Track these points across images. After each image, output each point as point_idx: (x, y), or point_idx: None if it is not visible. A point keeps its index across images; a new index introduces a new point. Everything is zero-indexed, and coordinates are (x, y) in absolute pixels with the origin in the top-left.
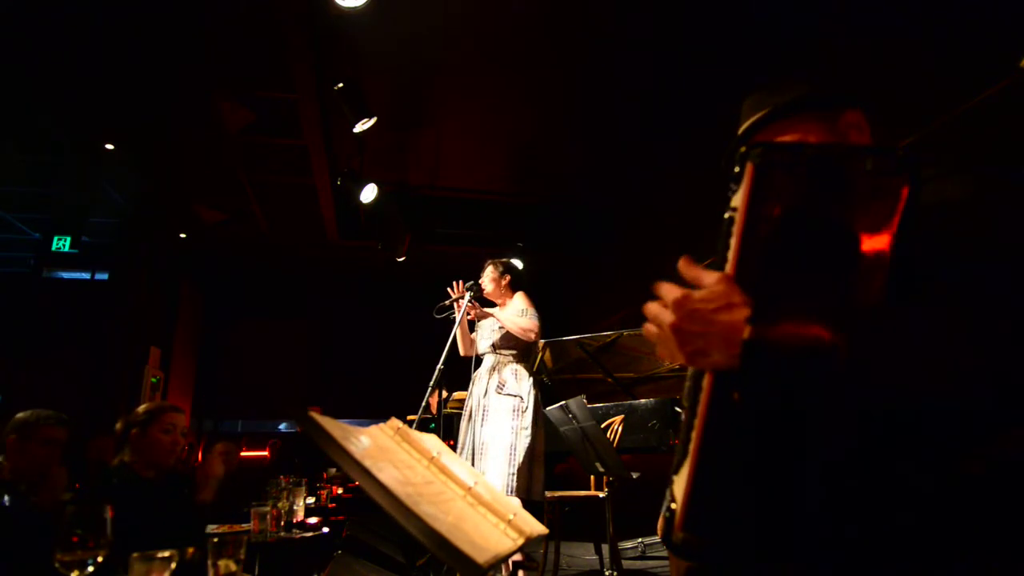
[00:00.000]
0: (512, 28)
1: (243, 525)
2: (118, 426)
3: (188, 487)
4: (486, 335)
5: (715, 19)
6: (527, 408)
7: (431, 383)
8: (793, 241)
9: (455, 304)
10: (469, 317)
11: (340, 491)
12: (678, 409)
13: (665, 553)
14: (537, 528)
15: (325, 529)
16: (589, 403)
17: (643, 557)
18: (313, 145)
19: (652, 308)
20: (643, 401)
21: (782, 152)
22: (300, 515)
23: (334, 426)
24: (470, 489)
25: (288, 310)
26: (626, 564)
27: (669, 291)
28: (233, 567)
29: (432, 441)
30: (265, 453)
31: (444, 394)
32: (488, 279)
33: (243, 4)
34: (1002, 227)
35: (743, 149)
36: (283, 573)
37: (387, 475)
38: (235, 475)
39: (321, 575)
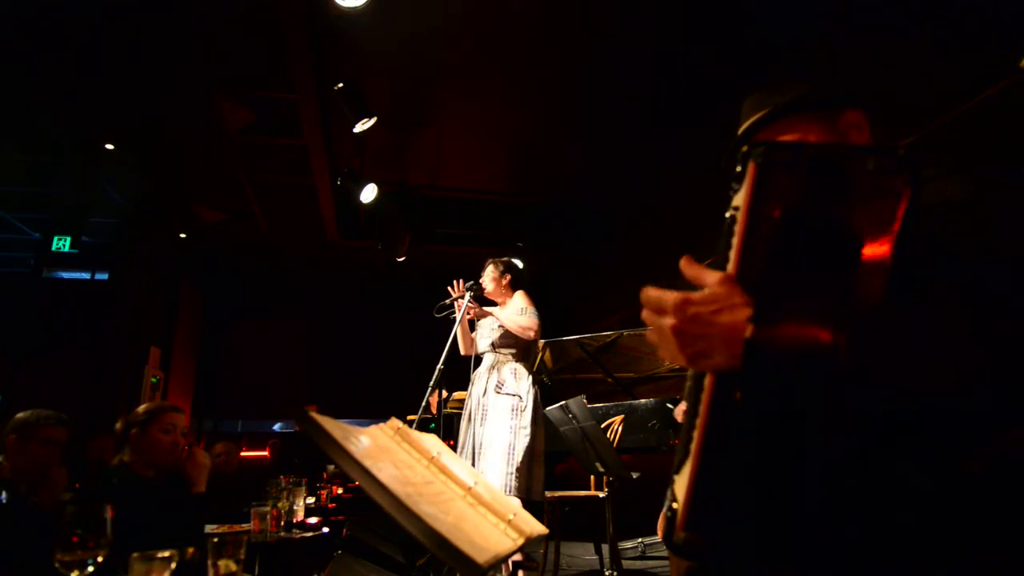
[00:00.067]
0: (512, 28)
1: (243, 525)
2: (118, 426)
3: (187, 485)
4: (486, 334)
5: (715, 19)
6: (526, 407)
7: (431, 383)
8: (794, 241)
9: (455, 303)
10: (469, 316)
11: (340, 491)
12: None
13: (665, 553)
14: (537, 528)
15: (325, 529)
16: (589, 403)
17: (643, 557)
18: (313, 145)
19: (648, 315)
20: (643, 401)
21: (784, 151)
22: (300, 515)
23: (334, 426)
24: (470, 489)
25: (288, 310)
26: (626, 564)
27: (665, 295)
28: (233, 567)
29: (432, 441)
30: (265, 453)
31: (444, 394)
32: (488, 278)
33: (243, 4)
34: (1002, 227)
35: (745, 148)
36: (283, 573)
37: (387, 475)
38: (235, 475)
39: (321, 575)
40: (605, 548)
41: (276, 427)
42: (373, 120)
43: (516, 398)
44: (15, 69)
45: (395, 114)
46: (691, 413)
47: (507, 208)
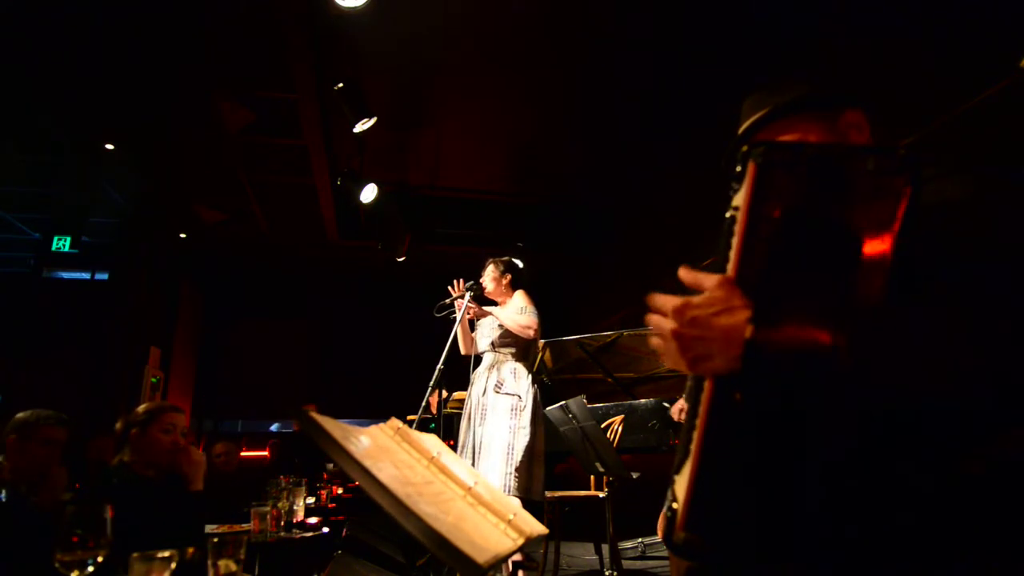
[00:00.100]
0: (512, 28)
1: (243, 525)
2: (118, 426)
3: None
4: (486, 333)
5: (715, 19)
6: (525, 407)
7: (431, 383)
8: (794, 241)
9: (455, 303)
10: (468, 316)
11: (340, 491)
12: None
13: (665, 553)
14: (537, 528)
15: (325, 529)
16: (589, 403)
17: (643, 557)
18: (313, 145)
19: (653, 318)
20: (643, 401)
21: (784, 151)
22: (300, 515)
23: (334, 426)
24: (470, 489)
25: (288, 310)
26: (626, 564)
27: (667, 300)
28: (233, 567)
29: (432, 441)
30: (265, 453)
31: (444, 394)
32: (489, 278)
33: (243, 4)
34: (1002, 227)
35: (745, 148)
36: (283, 573)
37: (387, 475)
38: (235, 475)
39: (321, 575)
40: (605, 548)
41: (272, 427)
42: (373, 120)
43: (515, 398)
44: (15, 69)
45: (395, 114)
46: (691, 413)
47: (507, 208)
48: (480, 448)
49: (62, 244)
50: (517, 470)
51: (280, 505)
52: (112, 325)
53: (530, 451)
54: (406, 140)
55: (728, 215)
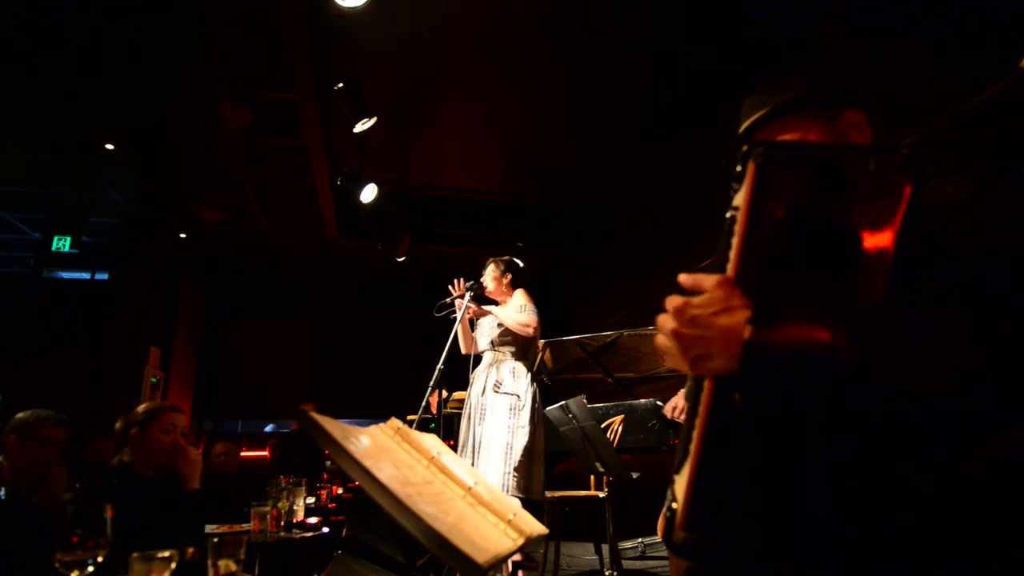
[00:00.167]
0: (512, 28)
1: (243, 525)
2: (118, 426)
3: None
4: (485, 332)
5: (715, 19)
6: (524, 406)
7: (431, 383)
8: (795, 241)
9: (455, 302)
10: (468, 316)
11: (340, 491)
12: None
13: (665, 553)
14: (537, 528)
15: (325, 529)
16: (589, 403)
17: (643, 557)
18: (313, 145)
19: (660, 318)
20: (643, 401)
21: (784, 151)
22: (300, 515)
23: (334, 426)
24: (470, 489)
25: (288, 310)
26: (626, 564)
27: (670, 300)
28: (233, 567)
29: (432, 441)
30: (265, 453)
31: (444, 394)
32: (489, 277)
33: (243, 4)
34: (1002, 227)
35: (745, 148)
36: (283, 573)
37: (387, 475)
38: (235, 475)
39: (321, 575)
40: (605, 548)
41: (268, 428)
42: (373, 120)
43: (514, 397)
44: (15, 69)
45: (395, 114)
46: (691, 413)
47: (507, 208)
48: (480, 448)
49: (62, 244)
50: (516, 470)
51: (280, 505)
52: (112, 325)
53: (529, 451)
54: (406, 140)
55: (728, 215)
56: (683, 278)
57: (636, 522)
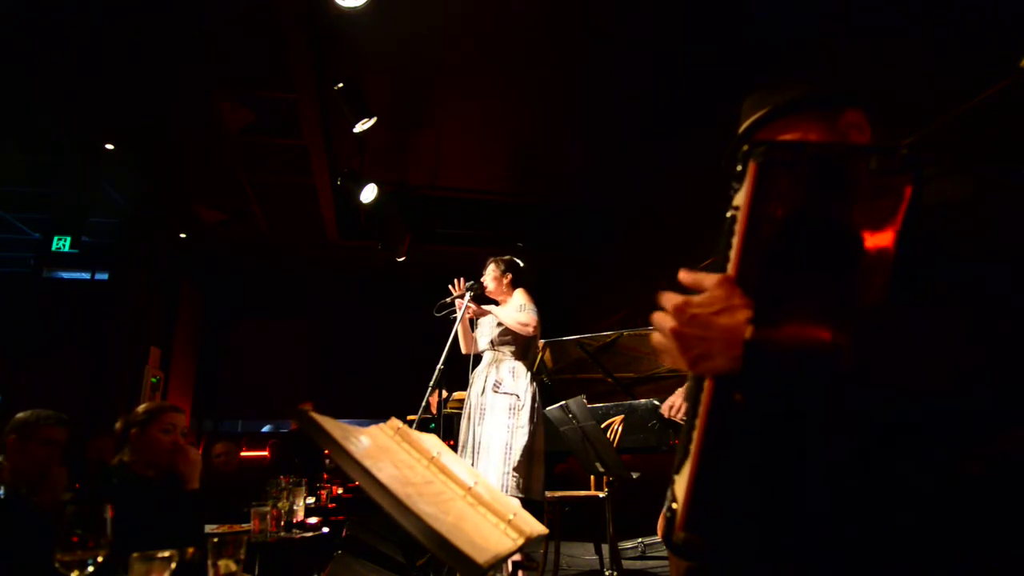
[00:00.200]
0: (512, 28)
1: (243, 525)
2: (118, 426)
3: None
4: (485, 332)
5: (715, 19)
6: (523, 406)
7: (431, 383)
8: (795, 240)
9: (455, 302)
10: (468, 315)
11: (340, 491)
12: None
13: (665, 553)
14: (537, 528)
15: (325, 529)
16: (589, 403)
17: (643, 557)
18: (313, 145)
19: (657, 316)
20: (643, 401)
21: (785, 150)
22: (300, 515)
23: (334, 426)
24: (470, 489)
25: (288, 310)
26: (626, 564)
27: (669, 298)
28: (233, 567)
29: (432, 441)
30: (265, 453)
31: (444, 394)
32: (490, 277)
33: (243, 4)
34: (1002, 227)
35: (746, 147)
36: (283, 573)
37: (387, 475)
38: (235, 475)
39: (321, 575)
40: (605, 548)
41: (264, 428)
42: (373, 120)
43: (513, 397)
44: (15, 69)
45: (395, 114)
46: (691, 414)
47: (507, 208)
48: (479, 448)
49: (62, 244)
50: (516, 469)
51: (280, 505)
52: (112, 325)
53: (529, 450)
54: (406, 140)
55: (728, 215)
56: (683, 276)
57: (636, 522)
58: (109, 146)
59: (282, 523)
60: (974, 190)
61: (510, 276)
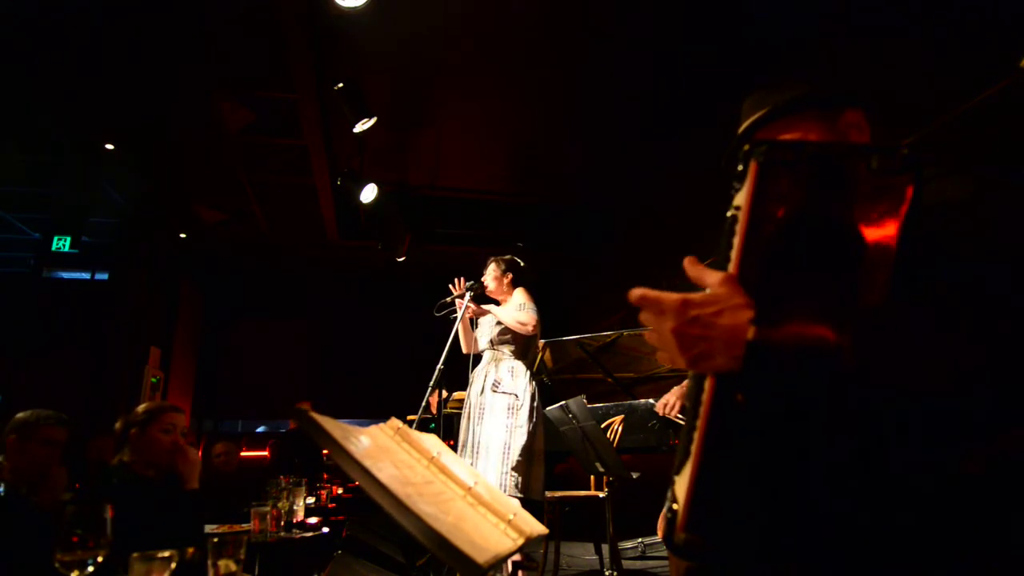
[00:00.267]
0: (512, 28)
1: (243, 525)
2: (118, 426)
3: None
4: (485, 331)
5: (715, 19)
6: (522, 405)
7: (431, 383)
8: (796, 240)
9: (455, 302)
10: (468, 315)
11: (340, 491)
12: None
13: (665, 553)
14: (537, 528)
15: (325, 529)
16: (589, 403)
17: (643, 557)
18: (313, 145)
19: (648, 316)
20: (643, 401)
21: (786, 150)
22: (300, 515)
23: (334, 426)
24: (470, 489)
25: (288, 310)
26: (626, 564)
27: (664, 297)
28: (233, 567)
29: (432, 441)
30: (265, 453)
31: (444, 394)
32: (490, 277)
33: (243, 4)
34: (1002, 227)
35: (747, 147)
36: (283, 573)
37: (387, 475)
38: (235, 475)
39: (321, 575)
40: (605, 548)
41: (259, 429)
42: (373, 120)
43: (512, 396)
44: (15, 69)
45: (395, 114)
46: (692, 414)
47: (507, 208)
48: (479, 447)
49: (62, 244)
50: (514, 469)
51: (280, 505)
52: (112, 325)
53: (528, 450)
54: (406, 140)
55: (729, 214)
56: (689, 267)
57: (636, 522)
58: (109, 146)
59: (282, 523)
60: (974, 190)
61: (511, 276)
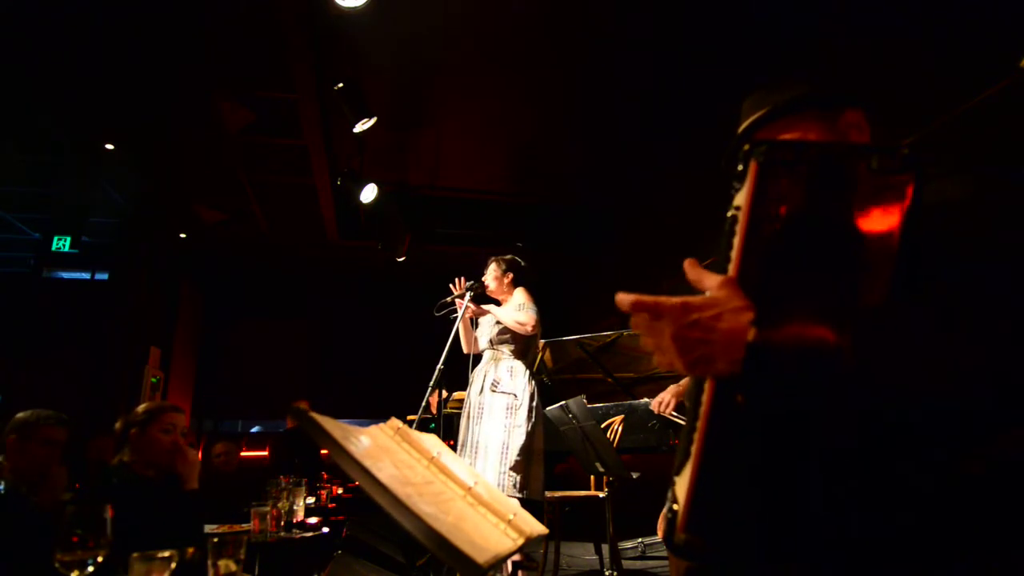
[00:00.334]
0: (512, 28)
1: (243, 525)
2: (118, 426)
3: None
4: (485, 331)
5: (715, 19)
6: (521, 405)
7: (431, 383)
8: (796, 240)
9: (455, 302)
10: (468, 315)
11: (340, 491)
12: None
13: (665, 553)
14: (537, 528)
15: (325, 529)
16: (589, 403)
17: (643, 557)
18: (313, 145)
19: (640, 321)
20: (643, 401)
21: (786, 150)
22: (300, 515)
23: (334, 426)
24: (470, 489)
25: (288, 310)
26: (626, 564)
27: (663, 301)
28: (233, 567)
29: (432, 441)
30: (265, 453)
31: (444, 394)
32: (491, 276)
33: (243, 4)
34: (1002, 227)
35: (747, 147)
36: (283, 573)
37: (387, 475)
38: (235, 475)
39: (321, 575)
40: (605, 548)
41: (254, 429)
42: (373, 120)
43: (511, 396)
44: (15, 69)
45: (395, 114)
46: (692, 415)
47: (507, 208)
48: (478, 447)
49: (62, 244)
50: (513, 469)
51: (280, 505)
52: (112, 325)
53: (527, 450)
54: (406, 140)
55: (729, 214)
56: (689, 269)
57: (636, 522)
58: (109, 146)
59: (282, 523)
60: (974, 190)
61: (511, 275)
